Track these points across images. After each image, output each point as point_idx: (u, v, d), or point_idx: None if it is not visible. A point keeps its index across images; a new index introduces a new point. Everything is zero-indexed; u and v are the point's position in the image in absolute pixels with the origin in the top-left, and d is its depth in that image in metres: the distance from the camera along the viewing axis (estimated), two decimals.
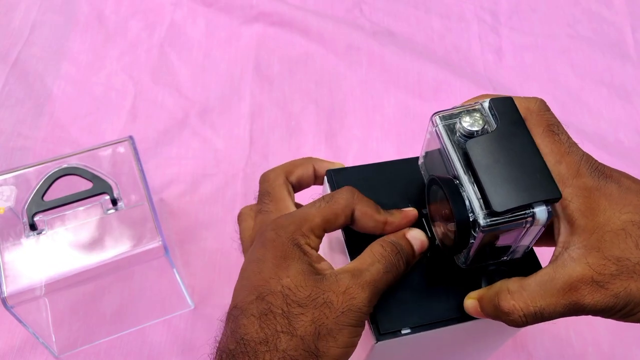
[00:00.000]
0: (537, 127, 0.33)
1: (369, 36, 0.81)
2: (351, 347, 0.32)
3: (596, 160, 0.33)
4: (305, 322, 0.31)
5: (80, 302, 0.58)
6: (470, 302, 0.35)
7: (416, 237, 0.36)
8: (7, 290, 0.46)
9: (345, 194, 0.36)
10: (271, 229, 0.35)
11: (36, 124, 0.71)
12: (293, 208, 0.39)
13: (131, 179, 0.52)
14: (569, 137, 0.34)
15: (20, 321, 0.48)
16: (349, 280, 0.32)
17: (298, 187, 0.42)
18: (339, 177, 0.43)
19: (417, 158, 0.44)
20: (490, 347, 0.49)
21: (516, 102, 0.34)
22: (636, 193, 0.31)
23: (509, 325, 0.33)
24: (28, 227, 0.49)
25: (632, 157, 0.73)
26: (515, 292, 0.32)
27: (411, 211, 0.38)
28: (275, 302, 0.31)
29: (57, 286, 0.48)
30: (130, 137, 0.55)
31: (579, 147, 0.33)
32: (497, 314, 0.32)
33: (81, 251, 0.49)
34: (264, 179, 0.41)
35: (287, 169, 0.41)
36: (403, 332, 0.37)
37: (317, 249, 0.35)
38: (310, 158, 0.42)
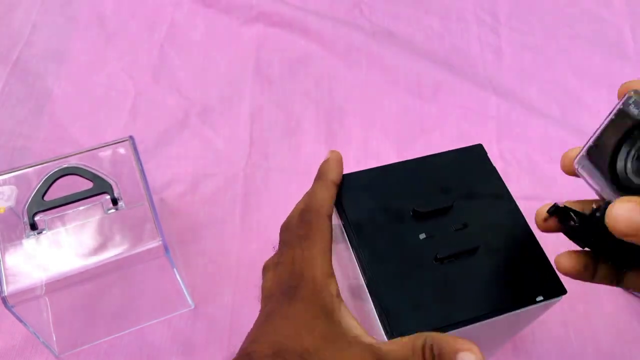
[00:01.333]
0: None
1: (369, 36, 0.81)
2: None
3: None
4: None
5: (81, 302, 0.58)
6: (628, 205, 0.27)
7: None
8: (7, 289, 0.46)
9: None
10: (304, 286, 0.33)
11: (37, 124, 0.71)
12: (323, 256, 0.35)
13: (131, 179, 0.52)
14: None
15: (20, 320, 0.48)
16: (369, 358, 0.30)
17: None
18: (345, 185, 0.43)
19: (423, 158, 0.44)
20: (497, 344, 0.49)
21: None
22: None
23: None
24: (28, 226, 0.49)
25: None
26: None
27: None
28: None
29: (57, 286, 0.48)
30: (131, 137, 0.55)
31: None
32: None
33: (81, 251, 0.49)
34: (283, 229, 0.38)
35: (307, 206, 0.37)
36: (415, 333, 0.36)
37: None
38: (325, 180, 0.39)
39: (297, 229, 0.36)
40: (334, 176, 0.39)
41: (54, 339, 0.56)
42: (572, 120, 0.76)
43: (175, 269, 0.54)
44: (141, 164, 0.53)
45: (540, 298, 0.39)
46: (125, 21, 0.81)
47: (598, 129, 0.33)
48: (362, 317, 0.40)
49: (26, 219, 0.49)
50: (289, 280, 0.34)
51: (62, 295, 0.51)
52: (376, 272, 0.39)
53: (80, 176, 0.52)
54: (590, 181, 0.34)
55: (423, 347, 0.30)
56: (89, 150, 0.54)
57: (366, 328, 0.37)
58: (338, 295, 0.32)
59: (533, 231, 0.42)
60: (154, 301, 0.60)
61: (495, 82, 0.79)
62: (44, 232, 0.49)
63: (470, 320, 0.37)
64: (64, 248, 0.49)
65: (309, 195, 0.38)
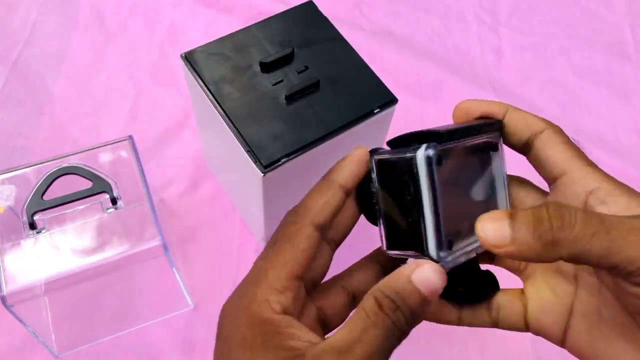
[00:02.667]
0: (562, 136, 0.32)
1: (369, 36, 0.81)
2: None
3: None
4: None
5: (80, 301, 0.58)
6: (494, 225, 0.25)
7: (426, 277, 0.26)
8: (6, 289, 0.46)
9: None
10: (229, 305, 0.28)
11: (36, 124, 0.71)
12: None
13: (131, 179, 0.52)
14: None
15: (19, 320, 0.48)
16: None
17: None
18: (199, 55, 0.50)
19: (261, 22, 0.53)
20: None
21: (527, 119, 0.32)
22: None
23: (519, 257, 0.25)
24: (28, 226, 0.49)
25: (631, 157, 0.73)
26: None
27: (354, 155, 0.31)
28: None
29: (56, 285, 0.48)
30: (130, 137, 0.55)
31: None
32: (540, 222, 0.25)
33: (81, 250, 0.49)
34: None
35: (295, 206, 0.31)
36: (282, 160, 0.45)
37: (299, 302, 0.28)
38: (328, 180, 0.31)
39: (276, 231, 0.30)
40: (341, 178, 0.31)
41: (53, 338, 0.56)
42: (572, 120, 0.76)
43: (174, 269, 0.54)
44: (141, 164, 0.53)
45: (377, 110, 0.46)
46: (125, 21, 0.81)
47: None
48: (238, 164, 0.49)
49: (25, 218, 0.49)
50: (238, 293, 0.29)
51: (62, 295, 0.51)
52: (237, 119, 0.47)
53: (80, 176, 0.52)
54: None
55: (379, 305, 0.26)
56: (88, 150, 0.53)
57: (242, 176, 0.46)
58: (284, 312, 0.27)
59: (365, 61, 0.51)
60: (153, 301, 0.59)
61: (495, 82, 0.79)
62: (43, 231, 0.49)
63: (322, 139, 0.44)
64: (63, 248, 0.49)
65: (306, 194, 0.32)
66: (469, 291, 0.31)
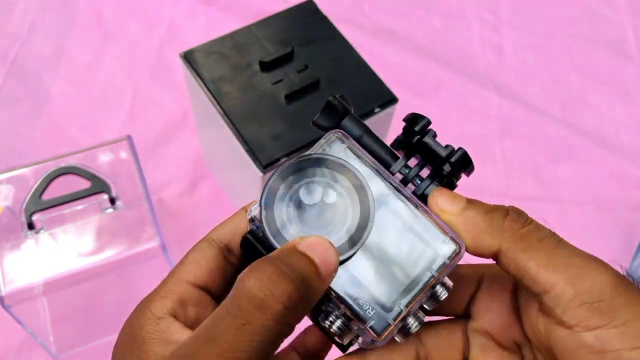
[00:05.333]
0: (522, 249, 0.24)
1: (369, 35, 0.81)
2: None
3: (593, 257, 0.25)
4: None
5: (79, 302, 0.58)
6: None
7: (315, 247, 0.23)
8: (4, 289, 0.46)
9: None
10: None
11: (34, 124, 0.70)
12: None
13: (129, 179, 0.52)
14: (554, 235, 0.25)
15: (18, 321, 0.48)
16: (200, 353, 0.21)
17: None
18: (198, 55, 0.50)
19: (261, 21, 0.53)
20: None
21: (478, 216, 0.25)
22: None
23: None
24: (26, 226, 0.49)
25: (633, 156, 0.73)
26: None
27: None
28: None
29: (55, 286, 0.48)
30: (129, 137, 0.54)
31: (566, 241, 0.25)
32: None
33: (79, 250, 0.49)
34: None
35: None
36: (282, 160, 0.45)
37: (193, 306, 0.25)
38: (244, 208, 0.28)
39: None
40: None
41: (52, 339, 0.56)
42: (573, 119, 0.76)
43: None
44: (139, 164, 0.53)
45: (377, 109, 0.46)
46: (124, 20, 0.80)
47: None
48: (237, 164, 0.49)
49: (24, 218, 0.49)
50: None
51: (60, 295, 0.51)
52: (236, 119, 0.47)
53: (78, 176, 0.52)
54: None
55: (250, 275, 0.21)
56: (86, 150, 0.53)
57: (242, 175, 0.47)
58: (170, 314, 0.24)
59: (365, 61, 0.52)
60: None
61: (497, 81, 0.78)
62: (41, 231, 0.49)
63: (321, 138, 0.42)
64: (62, 248, 0.49)
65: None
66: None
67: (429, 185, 0.26)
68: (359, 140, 0.27)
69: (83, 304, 0.58)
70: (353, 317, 0.24)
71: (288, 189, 0.25)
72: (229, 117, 0.47)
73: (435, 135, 0.26)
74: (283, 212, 0.25)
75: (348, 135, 0.27)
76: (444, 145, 0.26)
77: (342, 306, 0.24)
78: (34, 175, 0.51)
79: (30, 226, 0.49)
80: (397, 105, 0.52)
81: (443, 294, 0.25)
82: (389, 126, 0.54)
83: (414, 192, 0.26)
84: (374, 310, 0.24)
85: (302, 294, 0.21)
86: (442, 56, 0.80)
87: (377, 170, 0.26)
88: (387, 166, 0.27)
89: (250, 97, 0.49)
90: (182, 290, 0.25)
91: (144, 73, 0.75)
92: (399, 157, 0.27)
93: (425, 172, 0.27)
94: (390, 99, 0.50)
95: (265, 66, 0.50)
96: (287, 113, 0.48)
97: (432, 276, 0.24)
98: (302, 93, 0.49)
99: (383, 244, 0.25)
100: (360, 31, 0.81)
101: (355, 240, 0.24)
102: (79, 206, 0.50)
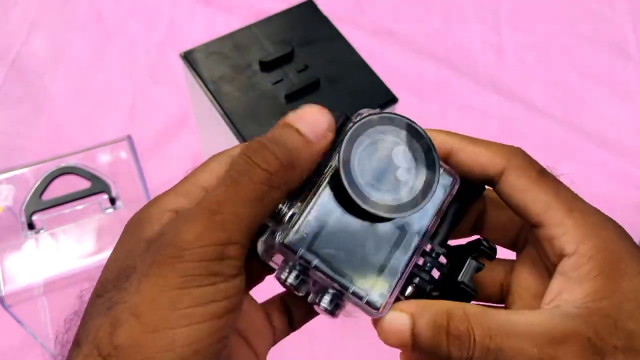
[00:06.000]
0: (528, 172, 0.27)
1: (369, 35, 0.81)
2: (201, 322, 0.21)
3: (608, 216, 0.27)
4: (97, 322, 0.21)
5: (79, 302, 0.58)
6: (398, 316, 0.24)
7: (304, 116, 0.24)
8: (4, 289, 0.46)
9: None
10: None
11: (34, 124, 0.70)
12: None
13: (129, 179, 0.52)
14: (567, 185, 0.27)
15: (18, 321, 0.48)
16: (165, 225, 0.22)
17: None
18: (198, 55, 0.50)
19: (261, 21, 0.53)
20: None
21: (491, 150, 0.27)
22: None
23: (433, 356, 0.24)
24: (26, 226, 0.49)
25: (633, 156, 0.73)
26: (476, 316, 0.24)
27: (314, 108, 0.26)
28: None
29: (55, 286, 0.48)
30: (129, 137, 0.54)
31: (581, 197, 0.27)
32: (439, 338, 0.24)
33: (80, 250, 0.49)
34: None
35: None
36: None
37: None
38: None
39: None
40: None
41: (52, 339, 0.56)
42: (574, 119, 0.76)
43: None
44: (139, 164, 0.53)
45: (377, 109, 0.44)
46: (124, 20, 0.80)
47: None
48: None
49: (24, 218, 0.49)
50: None
51: (60, 295, 0.51)
52: (237, 118, 0.47)
53: (78, 176, 0.52)
54: None
55: (244, 155, 0.23)
56: (87, 150, 0.53)
57: None
58: (170, 210, 0.24)
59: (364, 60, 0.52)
60: None
61: (497, 82, 0.78)
62: (41, 231, 0.49)
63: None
64: (62, 248, 0.49)
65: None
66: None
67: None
68: None
69: (83, 304, 0.58)
70: (350, 297, 0.24)
71: (367, 140, 0.25)
72: (229, 117, 0.48)
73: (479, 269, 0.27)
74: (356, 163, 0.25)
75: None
76: None
77: (336, 286, 0.24)
78: (34, 175, 0.51)
79: (31, 226, 0.49)
80: (397, 105, 0.52)
81: None
82: None
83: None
84: (367, 290, 0.24)
85: (286, 159, 0.23)
86: (442, 56, 0.80)
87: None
88: None
89: (250, 97, 0.49)
90: (197, 192, 0.25)
91: (144, 73, 0.75)
92: None
93: None
94: (390, 99, 0.50)
95: (265, 66, 0.50)
96: (287, 113, 0.48)
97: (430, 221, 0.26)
98: (302, 93, 0.49)
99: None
100: (360, 31, 0.81)
101: (418, 202, 0.25)
102: (79, 206, 0.50)
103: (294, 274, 0.24)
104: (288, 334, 0.29)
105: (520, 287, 0.28)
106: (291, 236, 0.24)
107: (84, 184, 0.51)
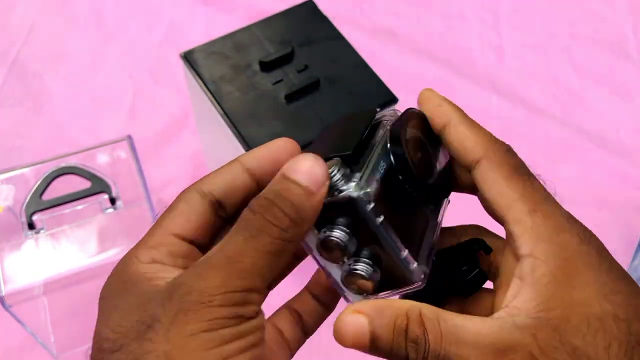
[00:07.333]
0: (501, 167, 0.27)
1: (369, 35, 0.81)
2: None
3: (579, 221, 0.26)
4: None
5: (79, 302, 0.58)
6: (355, 318, 0.24)
7: (301, 168, 0.24)
8: (5, 289, 0.46)
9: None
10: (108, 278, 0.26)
11: (35, 124, 0.71)
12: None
13: (130, 179, 0.52)
14: (543, 185, 0.27)
15: (18, 321, 0.48)
16: (184, 274, 0.23)
17: (227, 206, 0.27)
18: (198, 55, 0.49)
19: (261, 21, 0.53)
20: None
21: (476, 137, 0.28)
22: (627, 281, 0.24)
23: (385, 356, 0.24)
24: (26, 226, 0.49)
25: (633, 156, 0.73)
26: (431, 321, 0.24)
27: (275, 143, 0.28)
28: None
29: (55, 285, 0.48)
30: (129, 137, 0.54)
31: (555, 199, 0.27)
32: (399, 341, 0.24)
33: (80, 250, 0.49)
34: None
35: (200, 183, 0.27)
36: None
37: (181, 259, 0.25)
38: (236, 158, 0.28)
39: None
40: (249, 161, 0.27)
41: (52, 339, 0.56)
42: (574, 119, 0.76)
43: None
44: (139, 164, 0.53)
45: (377, 110, 0.43)
46: (124, 20, 0.80)
47: None
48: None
49: (24, 218, 0.49)
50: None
51: (61, 295, 0.51)
52: (237, 119, 0.47)
53: (78, 176, 0.52)
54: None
55: (251, 210, 0.23)
56: (87, 150, 0.53)
57: None
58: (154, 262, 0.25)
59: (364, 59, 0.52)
60: None
61: (497, 82, 0.78)
62: (41, 231, 0.49)
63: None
64: (62, 248, 0.49)
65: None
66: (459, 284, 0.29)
67: None
68: None
69: (84, 303, 0.58)
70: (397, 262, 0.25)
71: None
72: (229, 117, 0.48)
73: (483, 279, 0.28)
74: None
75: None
76: None
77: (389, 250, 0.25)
78: (34, 175, 0.51)
79: (31, 226, 0.49)
80: (397, 106, 0.52)
81: None
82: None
83: None
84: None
85: (294, 215, 0.23)
86: (442, 56, 0.80)
87: None
88: None
89: (250, 97, 0.49)
90: (170, 242, 0.25)
91: (144, 73, 0.75)
92: None
93: None
94: (390, 99, 0.50)
95: (265, 66, 0.50)
96: (287, 113, 0.48)
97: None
98: (302, 93, 0.49)
99: None
100: (360, 31, 0.81)
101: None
102: (79, 206, 0.50)
103: (345, 232, 0.25)
104: (304, 341, 0.30)
105: (508, 275, 0.27)
106: (363, 191, 0.24)
107: (84, 184, 0.51)
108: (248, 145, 0.46)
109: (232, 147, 0.48)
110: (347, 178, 0.25)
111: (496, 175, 0.27)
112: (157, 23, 0.80)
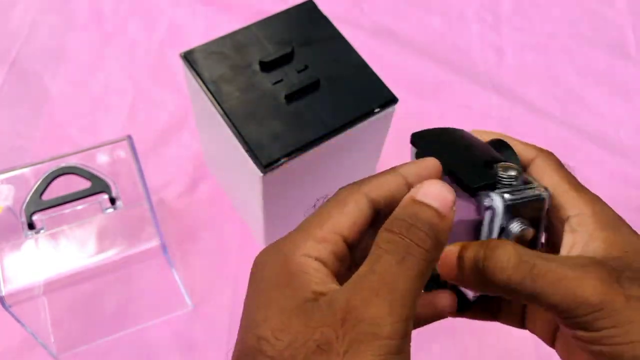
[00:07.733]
0: (555, 162, 0.31)
1: (369, 35, 0.81)
2: None
3: None
4: None
5: (79, 302, 0.58)
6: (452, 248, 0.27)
7: (431, 192, 0.25)
8: (5, 289, 0.46)
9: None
10: (263, 252, 0.26)
11: (34, 124, 0.71)
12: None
13: (130, 179, 0.52)
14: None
15: (18, 321, 0.48)
16: (348, 296, 0.23)
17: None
18: (198, 54, 0.50)
19: (261, 21, 0.53)
20: (372, 154, 0.59)
21: (519, 148, 0.31)
22: None
23: (469, 285, 0.27)
24: (26, 226, 0.49)
25: (633, 156, 0.73)
26: (515, 250, 0.26)
27: (429, 161, 0.29)
28: None
29: (55, 285, 0.48)
30: (129, 137, 0.54)
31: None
32: (485, 262, 0.26)
33: (80, 250, 0.49)
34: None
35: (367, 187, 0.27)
36: (282, 160, 0.45)
37: (337, 261, 0.25)
38: (395, 169, 0.28)
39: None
40: (410, 175, 0.28)
41: (52, 339, 0.56)
42: (573, 119, 0.76)
43: (173, 269, 0.54)
44: (139, 164, 0.53)
45: (377, 109, 0.45)
46: (124, 20, 0.80)
47: None
48: (237, 164, 0.49)
49: (24, 218, 0.49)
50: (276, 242, 0.28)
51: (61, 295, 0.51)
52: (237, 119, 0.47)
53: (78, 176, 0.52)
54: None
55: (390, 231, 0.24)
56: (87, 150, 0.53)
57: (242, 175, 0.46)
58: (317, 259, 0.25)
59: (367, 63, 0.52)
60: (152, 302, 0.59)
61: (496, 82, 0.78)
62: (41, 231, 0.49)
63: (322, 138, 0.44)
64: (62, 248, 0.49)
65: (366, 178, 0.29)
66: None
67: None
68: None
69: (83, 303, 0.58)
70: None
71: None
72: (229, 117, 0.47)
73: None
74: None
75: None
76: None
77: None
78: (34, 175, 0.51)
79: (31, 226, 0.49)
80: (397, 106, 0.52)
81: None
82: (389, 126, 0.54)
83: None
84: None
85: (434, 237, 0.24)
86: (442, 56, 0.80)
87: None
88: None
89: (250, 97, 0.49)
90: (335, 241, 0.26)
91: (144, 73, 0.75)
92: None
93: None
94: (390, 99, 0.50)
95: (265, 66, 0.50)
96: (287, 113, 0.48)
97: None
98: (302, 93, 0.49)
99: None
100: (360, 31, 0.81)
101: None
102: (79, 206, 0.50)
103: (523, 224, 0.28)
104: None
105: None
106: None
107: (84, 184, 0.51)
108: (248, 145, 0.46)
109: (231, 146, 0.48)
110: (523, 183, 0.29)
111: (549, 167, 0.31)
112: (157, 23, 0.80)
